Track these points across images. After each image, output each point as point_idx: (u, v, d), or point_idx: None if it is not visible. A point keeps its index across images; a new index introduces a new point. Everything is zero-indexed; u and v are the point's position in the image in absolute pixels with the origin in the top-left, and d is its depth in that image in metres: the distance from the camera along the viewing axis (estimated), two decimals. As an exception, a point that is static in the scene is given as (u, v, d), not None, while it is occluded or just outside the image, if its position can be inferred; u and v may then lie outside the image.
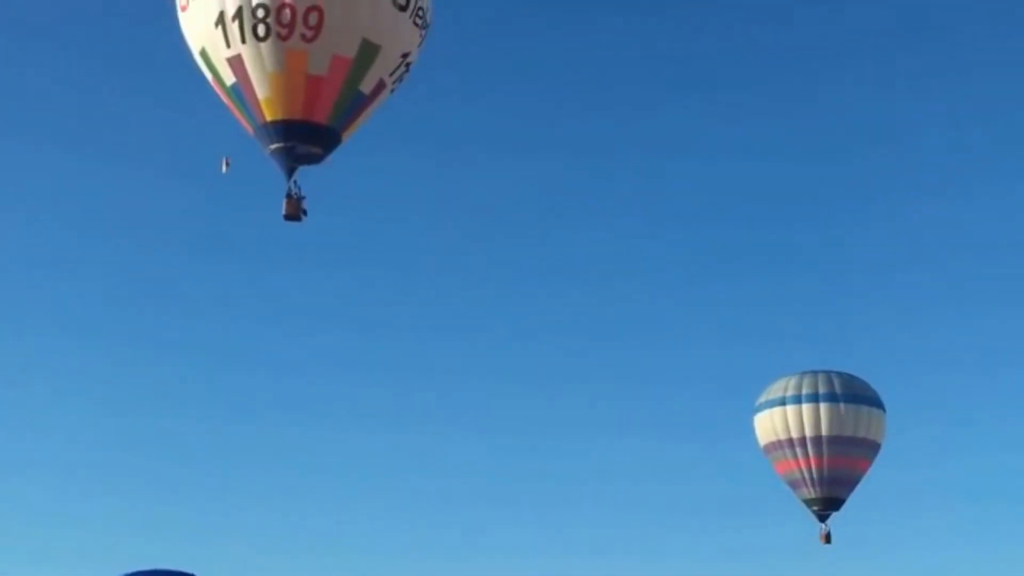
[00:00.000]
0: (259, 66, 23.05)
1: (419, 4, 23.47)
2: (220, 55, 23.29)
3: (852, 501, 39.96)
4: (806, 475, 39.05)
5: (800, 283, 71.98)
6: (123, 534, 58.25)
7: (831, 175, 71.96)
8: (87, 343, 66.26)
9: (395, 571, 59.30)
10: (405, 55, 23.80)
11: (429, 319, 70.33)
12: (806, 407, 38.81)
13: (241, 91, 23.56)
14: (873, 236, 71.60)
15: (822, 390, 38.92)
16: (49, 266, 66.64)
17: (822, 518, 39.77)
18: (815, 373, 39.56)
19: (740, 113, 73.25)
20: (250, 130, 24.19)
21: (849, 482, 39.48)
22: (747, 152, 73.32)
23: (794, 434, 38.91)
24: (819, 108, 72.38)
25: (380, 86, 23.88)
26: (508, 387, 68.54)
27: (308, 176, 24.43)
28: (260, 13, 22.52)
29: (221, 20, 22.81)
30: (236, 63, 23.20)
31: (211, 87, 24.25)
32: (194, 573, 25.24)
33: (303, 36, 22.62)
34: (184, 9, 23.61)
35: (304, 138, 23.87)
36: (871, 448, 39.49)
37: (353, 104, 23.80)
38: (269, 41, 22.72)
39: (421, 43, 24.06)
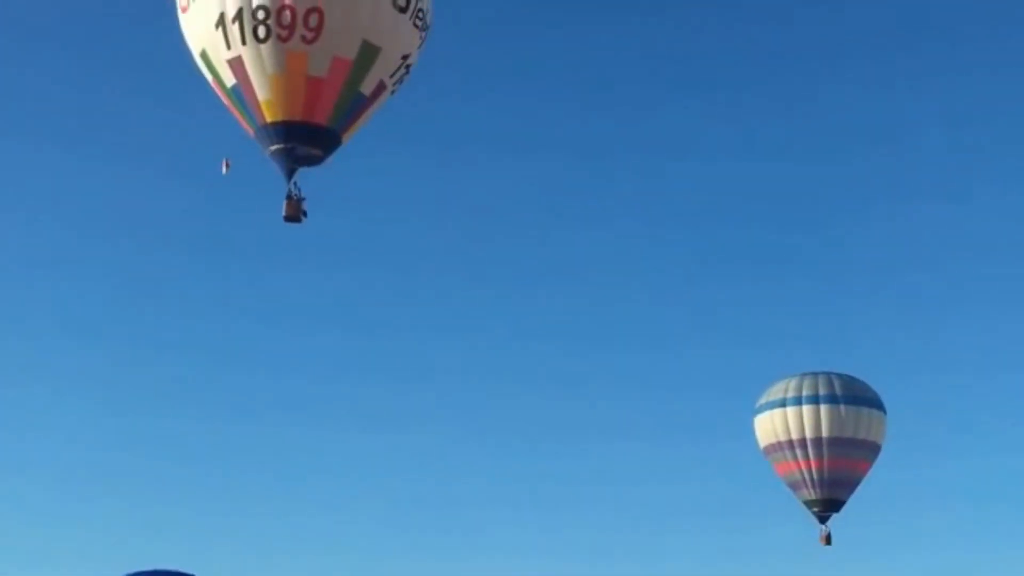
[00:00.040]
0: (259, 67, 23.06)
1: (419, 6, 23.48)
2: (220, 56, 23.30)
3: (852, 502, 40.01)
4: (806, 476, 39.04)
5: (800, 284, 72.07)
6: (123, 534, 58.31)
7: (831, 175, 72.06)
8: (87, 343, 66.37)
9: (395, 572, 59.41)
10: (405, 57, 23.81)
11: (429, 320, 70.42)
12: (806, 408, 38.80)
13: (241, 92, 23.57)
14: (873, 237, 71.70)
15: (822, 392, 38.91)
16: (49, 266, 66.76)
17: (822, 519, 39.75)
18: (815, 375, 39.56)
19: (740, 113, 73.37)
20: (250, 131, 24.20)
21: (849, 484, 39.47)
22: (747, 152, 73.40)
23: (794, 435, 38.90)
24: (819, 108, 72.48)
25: (380, 87, 23.89)
26: (508, 388, 68.62)
27: (308, 177, 24.46)
28: (260, 15, 22.53)
29: (221, 22, 22.82)
30: (236, 64, 23.21)
31: (211, 88, 24.26)
32: (194, 574, 25.25)
33: (303, 38, 22.62)
34: (184, 11, 23.62)
35: (304, 139, 23.88)
36: (871, 450, 39.48)
37: (353, 105, 23.80)
38: (269, 43, 22.73)
39: (421, 45, 24.08)
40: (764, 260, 72.11)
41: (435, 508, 62.38)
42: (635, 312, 71.77)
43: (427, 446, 64.20)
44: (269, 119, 23.71)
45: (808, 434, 38.73)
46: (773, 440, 39.45)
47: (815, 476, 38.94)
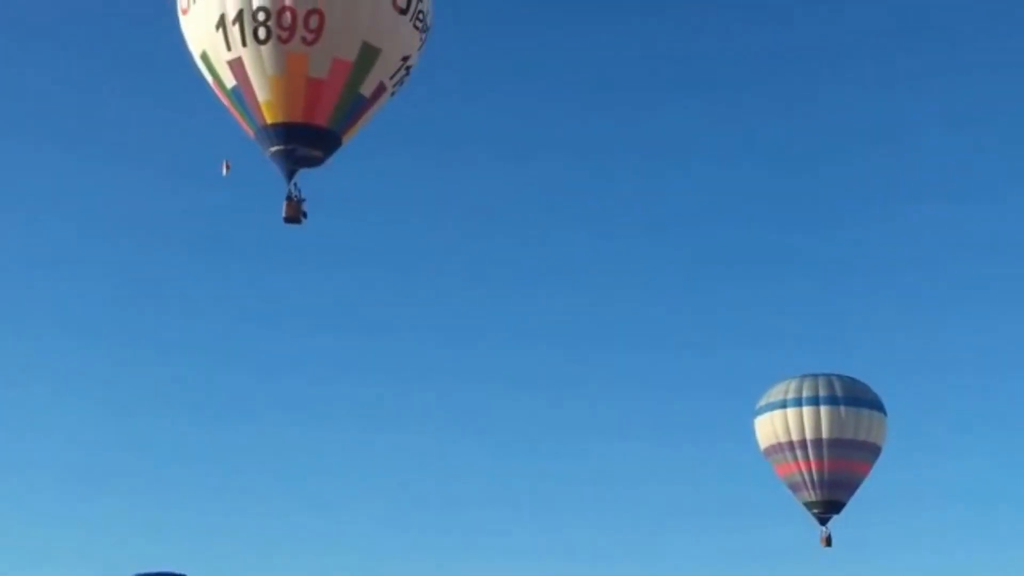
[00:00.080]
0: (260, 69, 23.04)
1: (419, 7, 23.47)
2: (221, 58, 23.29)
3: (853, 504, 39.99)
4: (807, 478, 39.03)
5: (800, 285, 72.05)
6: (122, 535, 58.37)
7: (831, 176, 72.04)
8: (87, 343, 66.42)
9: (395, 572, 59.42)
10: (405, 58, 23.80)
11: (428, 320, 70.41)
12: (807, 410, 38.80)
13: (241, 94, 23.57)
14: (873, 237, 71.68)
15: (823, 393, 38.90)
16: (49, 266, 66.82)
17: (823, 521, 39.75)
18: (815, 376, 39.56)
19: (740, 114, 73.36)
20: (250, 133, 24.19)
21: (850, 485, 39.46)
22: (747, 153, 73.42)
23: (795, 437, 38.89)
24: (819, 109, 72.48)
25: (380, 89, 23.88)
26: (507, 389, 68.62)
27: (308, 179, 24.46)
28: (261, 16, 22.52)
29: (222, 23, 22.80)
30: (237, 66, 23.20)
31: (212, 90, 24.26)
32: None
33: (304, 39, 22.61)
34: (185, 12, 23.62)
35: (304, 141, 23.87)
36: (872, 451, 39.47)
37: (353, 107, 23.79)
38: (270, 44, 22.72)
39: (421, 46, 24.07)
40: (764, 261, 72.20)
41: (435, 508, 62.50)
42: (634, 313, 71.86)
43: (427, 446, 64.31)
44: (269, 120, 23.70)
45: (808, 435, 38.72)
46: (773, 441, 39.44)
47: (815, 477, 38.93)
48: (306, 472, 63.06)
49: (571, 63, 73.13)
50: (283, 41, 22.64)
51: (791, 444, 38.96)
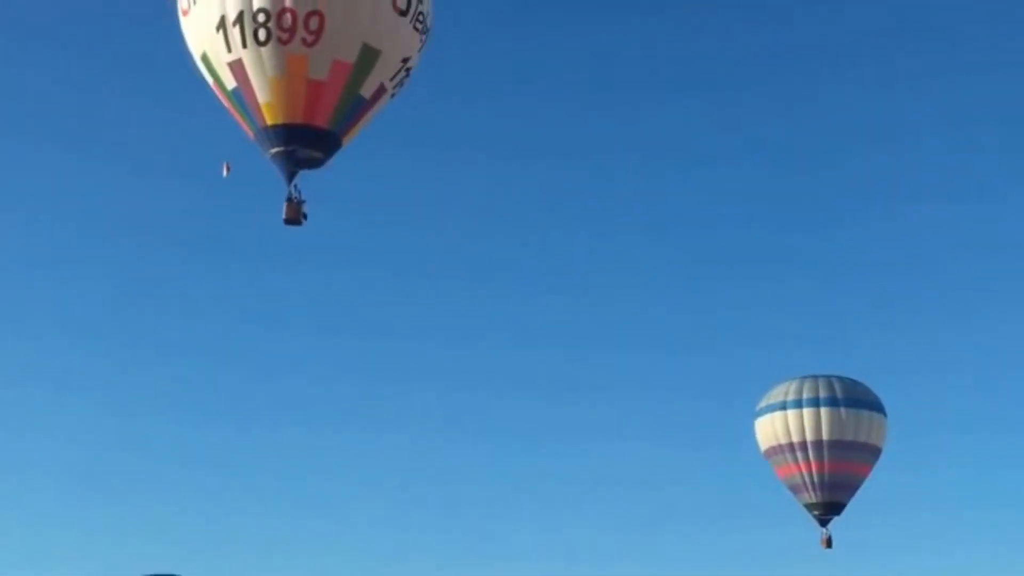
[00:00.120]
0: (260, 70, 23.05)
1: (419, 9, 23.48)
2: (221, 59, 23.30)
3: (853, 505, 39.96)
4: (807, 479, 39.01)
5: (801, 286, 72.07)
6: (122, 535, 58.39)
7: (831, 177, 72.06)
8: (86, 344, 66.46)
9: (395, 573, 59.41)
10: (405, 60, 23.80)
11: (428, 322, 70.42)
12: (807, 411, 38.77)
13: (242, 95, 23.57)
14: (873, 238, 71.68)
15: (823, 394, 38.88)
16: (49, 266, 66.91)
17: (823, 522, 39.74)
18: (816, 377, 39.54)
19: (740, 114, 73.35)
20: (251, 134, 24.20)
21: (850, 486, 39.45)
22: (746, 154, 73.40)
23: (795, 438, 38.87)
24: (819, 109, 72.49)
25: (381, 90, 23.89)
26: (508, 391, 68.64)
27: (308, 180, 24.45)
28: (261, 18, 22.52)
29: (222, 25, 22.81)
30: (237, 67, 23.20)
31: (212, 91, 24.27)
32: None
33: (304, 41, 22.61)
34: (185, 14, 23.63)
35: (305, 142, 23.87)
36: (872, 452, 39.45)
37: (354, 108, 23.79)
38: (270, 46, 22.72)
39: (421, 48, 24.07)
40: (764, 261, 72.25)
41: (434, 509, 62.54)
42: (634, 314, 71.88)
43: (426, 447, 64.33)
44: (269, 122, 23.70)
45: (809, 437, 38.69)
46: (774, 443, 39.42)
47: (816, 479, 38.91)
48: (305, 473, 63.21)
49: (571, 64, 73.34)
50: (283, 43, 22.64)
51: (791, 446, 38.94)
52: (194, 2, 23.18)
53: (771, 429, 39.42)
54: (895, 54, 72.03)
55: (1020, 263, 69.32)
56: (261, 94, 23.35)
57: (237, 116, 24.15)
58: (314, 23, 22.50)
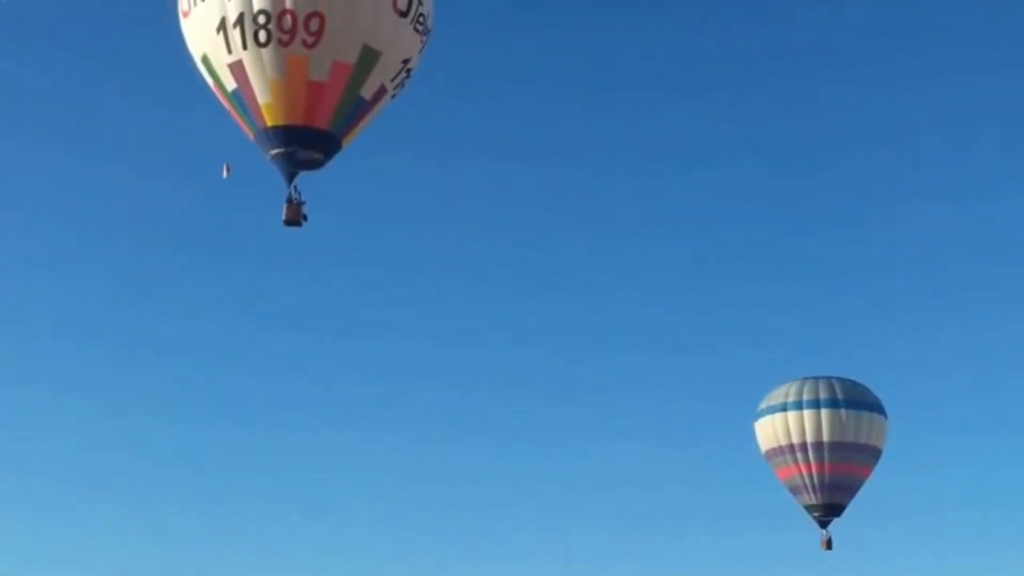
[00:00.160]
0: (260, 72, 23.04)
1: (420, 10, 23.47)
2: (221, 61, 23.29)
3: (853, 507, 39.95)
4: (807, 481, 39.00)
5: (801, 286, 72.07)
6: (122, 536, 58.34)
7: (831, 177, 72.02)
8: (86, 344, 66.43)
9: (395, 573, 59.37)
10: (406, 61, 23.79)
11: (428, 322, 70.41)
12: (807, 413, 38.77)
13: (242, 97, 23.56)
14: (872, 238, 71.70)
15: (823, 396, 38.88)
16: (49, 267, 66.92)
17: (823, 524, 39.73)
18: (816, 379, 39.55)
19: (740, 115, 73.32)
20: (251, 135, 24.19)
21: (850, 488, 39.45)
22: (746, 155, 73.39)
23: (795, 440, 38.87)
24: (819, 109, 72.46)
25: (381, 92, 23.88)
26: (508, 391, 68.57)
27: (308, 181, 24.43)
28: (261, 19, 22.50)
29: (223, 26, 22.80)
30: (237, 69, 23.20)
31: (212, 93, 24.25)
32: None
33: (304, 42, 22.60)
34: (186, 15, 23.62)
35: (305, 143, 23.86)
36: (872, 454, 39.45)
37: (354, 110, 23.79)
38: (270, 47, 22.71)
39: (422, 49, 24.05)
40: (764, 262, 72.22)
41: (434, 509, 62.43)
42: (633, 314, 71.83)
43: (426, 450, 64.25)
44: (270, 123, 23.69)
45: (809, 438, 38.69)
46: (774, 444, 39.42)
47: (816, 480, 38.90)
48: (306, 473, 63.23)
49: (571, 64, 73.34)
50: (283, 44, 22.63)
51: (792, 447, 38.94)
52: (195, 3, 23.17)
53: (771, 431, 39.41)
54: (895, 54, 72.16)
55: (1020, 263, 69.36)
56: (261, 95, 23.34)
57: (237, 117, 24.14)
58: (314, 24, 22.49)
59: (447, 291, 70.58)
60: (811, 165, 72.54)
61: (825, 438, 38.56)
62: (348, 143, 24.46)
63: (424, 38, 23.94)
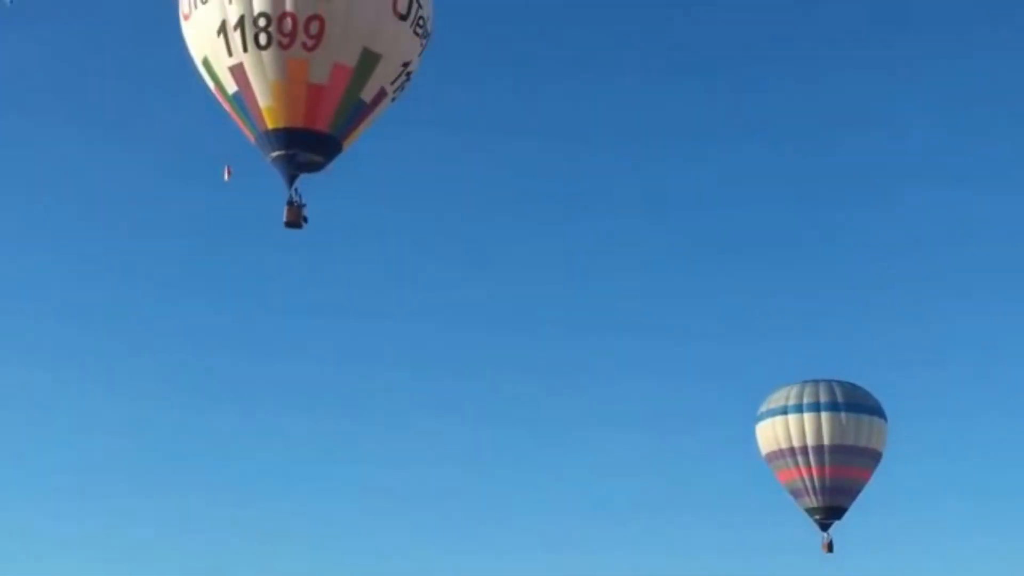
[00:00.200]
0: (261, 74, 23.11)
1: (420, 13, 23.54)
2: (222, 64, 23.37)
3: (854, 510, 39.93)
4: (808, 484, 39.01)
5: (800, 268, 72.08)
6: (130, 527, 58.52)
7: (831, 167, 72.00)
8: (92, 336, 66.77)
9: (396, 563, 59.37)
10: (406, 64, 23.87)
11: (433, 310, 70.39)
12: (808, 416, 38.78)
13: (243, 99, 23.63)
14: (873, 222, 71.70)
15: (823, 399, 38.89)
16: (54, 258, 67.33)
17: (824, 527, 39.72)
18: (816, 382, 39.57)
19: (739, 98, 73.20)
20: (251, 138, 24.24)
21: (851, 491, 39.44)
22: (745, 137, 73.37)
23: (796, 443, 38.88)
24: (818, 93, 72.44)
25: (381, 94, 23.95)
26: (510, 377, 68.65)
27: (309, 183, 24.48)
28: (262, 22, 22.57)
29: (223, 29, 22.87)
30: (238, 71, 23.27)
31: (213, 95, 24.31)
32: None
33: (304, 45, 22.67)
34: (187, 18, 23.70)
35: (305, 146, 23.92)
36: (873, 457, 39.45)
37: (354, 112, 23.86)
38: (271, 50, 22.78)
39: (422, 52, 24.12)
40: (763, 244, 72.28)
41: (440, 500, 62.34)
42: (634, 299, 71.78)
43: (429, 439, 64.35)
44: (270, 126, 23.76)
45: (809, 441, 38.70)
46: (775, 447, 39.44)
47: (816, 483, 38.91)
48: (305, 464, 63.41)
49: (570, 46, 73.23)
50: (284, 47, 22.71)
51: (792, 450, 38.96)
52: (195, 6, 23.25)
53: (772, 433, 39.43)
54: (895, 38, 72.00)
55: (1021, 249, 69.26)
56: (262, 98, 23.41)
57: (238, 120, 24.22)
58: (314, 27, 22.56)
59: (444, 276, 70.84)
60: (811, 148, 72.53)
61: (826, 441, 38.58)
62: (348, 145, 24.52)
63: (424, 41, 24.01)
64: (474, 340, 69.51)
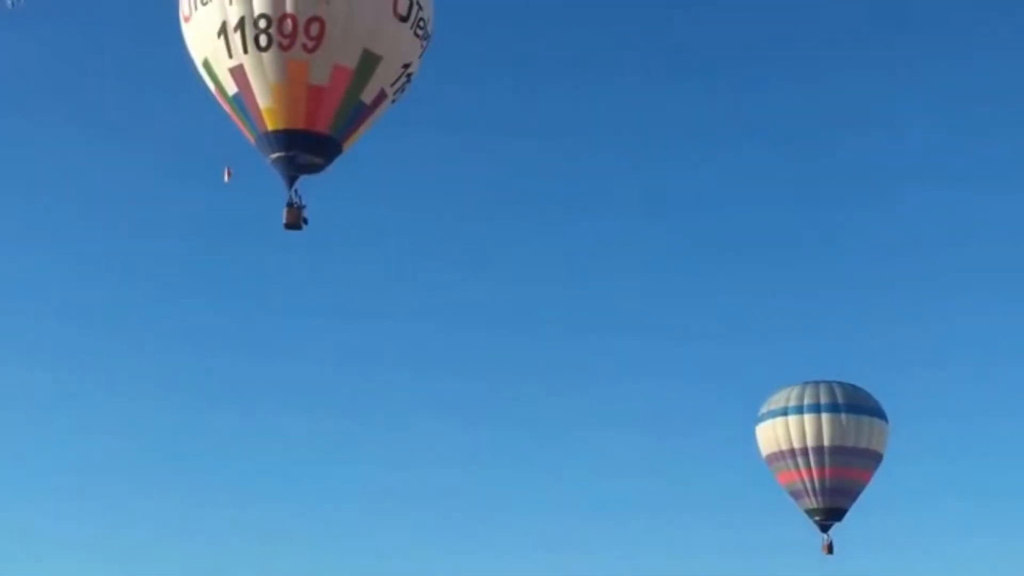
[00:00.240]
0: (261, 76, 23.09)
1: (420, 15, 23.52)
2: (222, 65, 23.36)
3: (854, 511, 39.92)
4: (808, 485, 38.99)
5: (799, 269, 72.01)
6: (130, 527, 58.51)
7: (831, 167, 71.94)
8: (92, 336, 66.76)
9: (396, 564, 59.35)
10: (406, 65, 23.85)
11: (433, 311, 70.36)
12: (808, 417, 38.76)
13: (243, 101, 23.61)
14: (872, 222, 71.61)
15: (824, 400, 38.87)
16: (53, 257, 67.33)
17: (824, 528, 39.70)
18: (817, 383, 39.56)
19: (739, 98, 73.17)
20: (251, 139, 24.22)
21: (851, 493, 39.42)
22: (745, 138, 73.34)
23: (796, 444, 38.86)
24: (818, 93, 72.38)
25: (381, 96, 23.93)
26: (509, 377, 68.67)
27: (309, 185, 24.46)
28: (262, 24, 22.56)
29: (223, 31, 22.86)
30: (238, 73, 23.26)
31: (213, 97, 24.29)
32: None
33: (304, 46, 22.65)
34: (187, 20, 23.68)
35: (305, 147, 23.90)
36: (873, 458, 39.43)
37: (354, 114, 23.84)
38: (271, 51, 22.76)
39: (422, 54, 24.10)
40: (763, 244, 72.24)
41: (440, 501, 62.30)
42: (633, 299, 71.76)
43: (429, 439, 64.35)
44: (270, 127, 23.75)
45: (810, 443, 38.68)
46: (775, 449, 39.41)
47: (817, 485, 38.88)
48: (305, 464, 63.40)
49: (570, 47, 73.20)
50: (284, 48, 22.69)
51: (792, 452, 38.93)
52: (196, 8, 23.23)
53: (772, 435, 39.41)
54: (895, 38, 71.95)
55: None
56: (262, 99, 23.39)
57: (238, 121, 24.20)
58: (315, 29, 22.54)
59: (444, 277, 70.85)
60: (811, 148, 72.52)
61: (826, 442, 38.56)
62: (348, 147, 24.50)
63: (424, 43, 23.99)
64: (474, 340, 69.59)
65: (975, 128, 71.38)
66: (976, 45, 71.99)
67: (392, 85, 23.89)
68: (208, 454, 64.23)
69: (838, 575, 50.26)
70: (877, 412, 39.60)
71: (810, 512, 39.48)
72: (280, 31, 22.54)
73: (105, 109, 68.60)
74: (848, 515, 39.69)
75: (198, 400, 65.02)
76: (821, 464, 38.64)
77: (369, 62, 23.14)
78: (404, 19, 23.19)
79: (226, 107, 24.20)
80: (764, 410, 40.00)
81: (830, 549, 39.73)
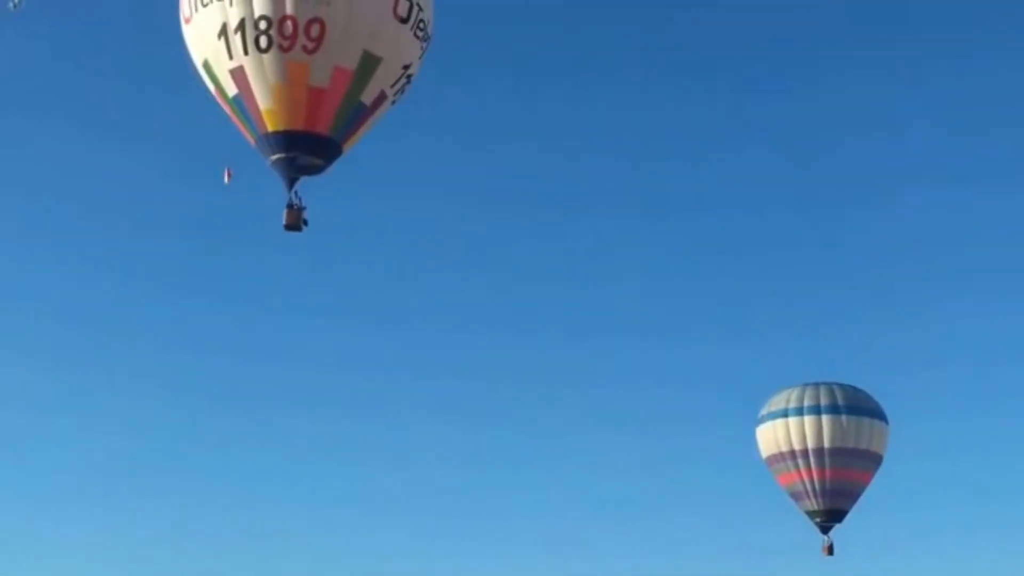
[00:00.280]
0: (261, 77, 23.08)
1: (420, 16, 23.52)
2: (223, 66, 23.35)
3: (855, 513, 39.90)
4: (808, 487, 38.99)
5: (799, 269, 71.99)
6: (130, 527, 58.50)
7: (831, 167, 71.91)
8: (92, 336, 66.75)
9: (397, 564, 59.37)
10: (406, 67, 23.85)
11: (433, 312, 70.34)
12: (808, 419, 38.77)
13: (243, 102, 23.60)
14: (871, 235, 71.58)
15: (824, 402, 38.87)
16: (53, 257, 67.35)
17: (824, 530, 39.70)
18: (817, 385, 39.56)
19: (739, 98, 73.16)
20: (251, 141, 24.21)
21: (851, 494, 39.41)
22: (745, 138, 73.34)
23: (796, 446, 38.86)
24: (818, 93, 72.36)
25: (381, 97, 23.92)
26: (511, 381, 68.58)
27: (309, 186, 24.44)
28: (262, 25, 22.55)
29: (224, 32, 22.86)
30: (238, 74, 23.25)
31: (213, 98, 24.28)
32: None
33: (305, 48, 22.65)
34: (187, 21, 23.67)
35: (305, 149, 23.90)
36: (873, 460, 39.43)
37: (354, 115, 23.84)
38: (271, 53, 22.76)
39: (422, 55, 24.09)
40: (763, 244, 72.22)
41: (440, 502, 62.31)
42: (633, 300, 71.74)
43: (430, 440, 64.33)
44: (271, 128, 23.74)
45: (810, 444, 38.68)
46: (775, 450, 39.41)
47: (817, 486, 38.88)
48: (306, 464, 63.40)
49: (570, 47, 73.19)
50: (284, 50, 22.69)
51: (792, 453, 38.93)
52: (196, 9, 23.22)
53: (772, 436, 39.41)
54: (895, 38, 71.94)
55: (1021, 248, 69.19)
56: (262, 101, 23.38)
57: (238, 123, 24.19)
58: (315, 30, 22.53)
59: (444, 277, 70.86)
60: (811, 148, 72.53)
61: (826, 444, 38.55)
62: (348, 148, 24.49)
63: (424, 44, 23.99)
64: (474, 341, 69.58)
65: (975, 128, 71.50)
66: (976, 45, 72.12)
67: (392, 86, 23.88)
68: (208, 454, 64.29)
69: (839, 576, 50.22)
70: (877, 413, 39.60)
71: (810, 514, 39.47)
72: (280, 32, 22.53)
73: (105, 109, 68.73)
74: (848, 516, 39.69)
75: (198, 400, 65.15)
76: (821, 466, 38.63)
77: (369, 63, 23.13)
78: (404, 20, 23.18)
79: (226, 108, 24.19)
80: (764, 412, 40.00)
81: (830, 551, 39.73)
